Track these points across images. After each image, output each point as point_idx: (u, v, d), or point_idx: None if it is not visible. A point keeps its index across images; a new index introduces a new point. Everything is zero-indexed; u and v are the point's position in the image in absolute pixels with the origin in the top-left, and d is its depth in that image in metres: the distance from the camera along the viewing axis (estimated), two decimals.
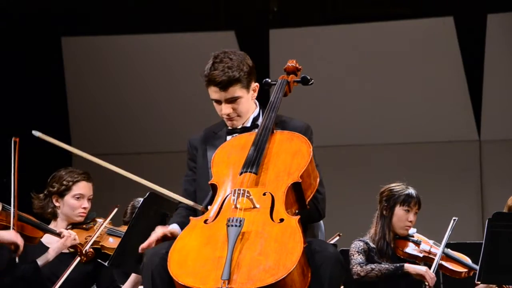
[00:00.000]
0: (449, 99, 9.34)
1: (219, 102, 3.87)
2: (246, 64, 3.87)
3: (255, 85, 3.93)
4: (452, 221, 5.43)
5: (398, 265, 5.24)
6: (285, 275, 3.25)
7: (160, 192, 3.87)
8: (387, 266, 5.23)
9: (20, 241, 4.41)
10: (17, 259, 4.43)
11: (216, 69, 3.82)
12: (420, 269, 5.24)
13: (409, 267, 5.24)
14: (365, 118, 9.53)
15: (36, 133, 3.97)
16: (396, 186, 5.48)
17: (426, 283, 5.23)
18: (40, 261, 4.68)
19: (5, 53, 8.76)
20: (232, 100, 3.85)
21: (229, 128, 3.92)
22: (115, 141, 9.87)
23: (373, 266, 5.23)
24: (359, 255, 5.30)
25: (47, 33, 9.27)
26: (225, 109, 3.86)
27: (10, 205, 4.50)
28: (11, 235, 4.40)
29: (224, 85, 3.81)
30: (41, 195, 5.01)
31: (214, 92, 3.85)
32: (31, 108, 9.15)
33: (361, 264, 5.23)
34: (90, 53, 9.55)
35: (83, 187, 5.00)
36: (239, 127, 3.92)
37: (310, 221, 3.79)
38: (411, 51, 9.26)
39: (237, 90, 3.84)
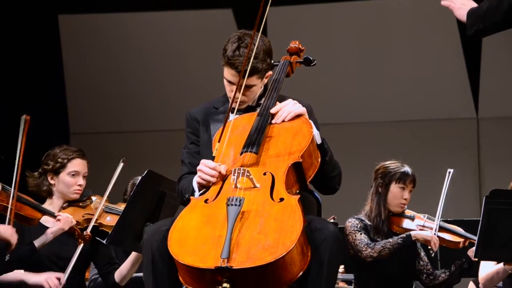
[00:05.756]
0: (447, 76, 9.34)
1: (232, 83, 3.81)
2: (270, 55, 3.83)
3: (269, 73, 3.90)
4: (447, 173, 5.43)
5: (405, 235, 5.24)
6: (284, 254, 3.24)
7: None
8: (395, 240, 5.23)
9: (13, 239, 4.38)
10: (7, 257, 4.39)
11: (241, 55, 3.74)
12: (427, 234, 5.24)
13: (417, 234, 5.24)
14: (362, 96, 9.53)
15: None
16: (392, 164, 5.48)
17: (430, 247, 5.24)
18: (37, 242, 4.67)
19: (1, 31, 8.73)
20: (247, 88, 3.80)
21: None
22: (113, 119, 9.87)
23: (382, 244, 5.21)
24: (361, 234, 5.27)
25: (44, 11, 9.24)
26: (237, 94, 3.77)
27: (10, 185, 4.49)
28: (6, 232, 4.38)
29: (244, 74, 3.72)
30: (36, 173, 5.01)
31: (230, 75, 3.79)
32: (28, 87, 9.14)
33: (370, 245, 5.21)
34: (87, 31, 9.52)
35: (78, 164, 4.99)
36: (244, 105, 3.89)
37: (328, 171, 3.77)
38: (408, 28, 9.24)
39: (254, 80, 3.81)
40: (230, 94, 3.84)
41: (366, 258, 5.22)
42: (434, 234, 5.27)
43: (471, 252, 5.30)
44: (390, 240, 5.24)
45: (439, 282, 5.42)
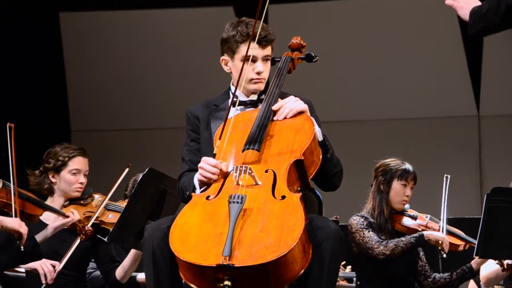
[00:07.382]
0: (448, 74, 9.33)
1: (254, 60, 3.81)
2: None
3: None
4: (444, 178, 5.42)
5: (417, 235, 5.20)
6: (286, 252, 3.24)
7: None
8: (408, 239, 5.20)
9: (23, 229, 4.40)
10: (22, 248, 4.41)
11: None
12: (439, 235, 5.20)
13: (429, 234, 5.20)
14: (363, 94, 9.52)
15: None
16: (392, 161, 5.47)
17: (440, 248, 5.22)
18: (39, 237, 4.68)
19: (2, 29, 8.73)
20: (267, 59, 3.85)
21: (247, 99, 3.87)
22: (115, 117, 9.88)
23: (395, 242, 5.17)
24: (369, 231, 5.25)
25: (45, 9, 9.24)
26: (261, 67, 3.82)
27: (9, 182, 4.51)
28: (15, 224, 4.39)
29: (267, 41, 3.81)
30: (37, 171, 5.02)
31: (252, 49, 3.79)
32: (29, 85, 9.14)
33: (382, 243, 5.18)
34: (88, 28, 9.52)
35: (79, 162, 5.00)
36: (246, 99, 3.88)
37: (329, 167, 3.77)
38: (409, 25, 9.24)
39: (271, 50, 3.87)
40: (252, 74, 3.84)
41: (378, 255, 5.18)
42: (443, 231, 5.26)
43: (474, 263, 5.29)
44: (403, 239, 5.21)
45: (437, 286, 5.41)
